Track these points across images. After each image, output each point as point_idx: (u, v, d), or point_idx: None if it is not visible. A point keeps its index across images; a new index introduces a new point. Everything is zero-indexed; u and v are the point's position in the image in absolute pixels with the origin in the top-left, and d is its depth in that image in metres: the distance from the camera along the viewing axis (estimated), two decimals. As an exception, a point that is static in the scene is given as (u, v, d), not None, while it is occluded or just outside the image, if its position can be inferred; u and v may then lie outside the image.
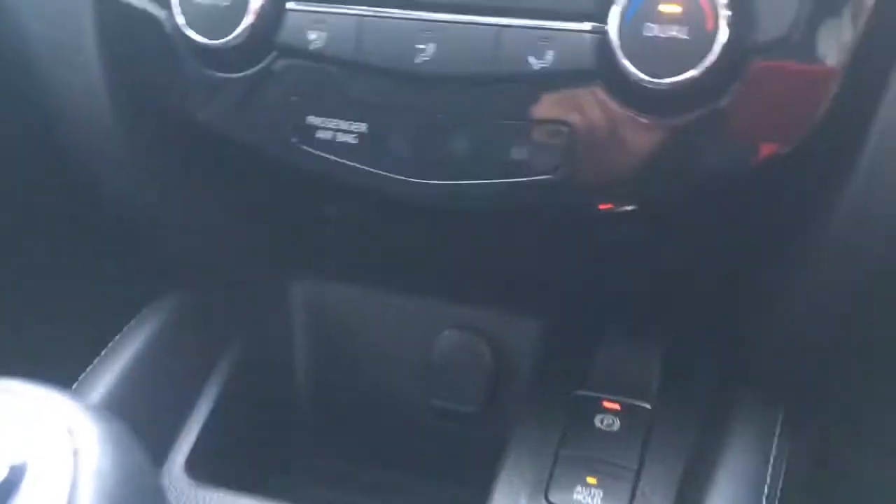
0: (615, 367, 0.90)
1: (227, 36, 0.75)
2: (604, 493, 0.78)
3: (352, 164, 0.76)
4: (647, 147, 0.69)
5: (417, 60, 0.71)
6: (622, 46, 0.65)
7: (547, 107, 0.70)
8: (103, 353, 0.95)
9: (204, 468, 0.89)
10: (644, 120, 0.68)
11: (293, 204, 0.93)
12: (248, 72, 0.77)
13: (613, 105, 0.68)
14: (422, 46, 0.71)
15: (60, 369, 0.85)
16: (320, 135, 0.76)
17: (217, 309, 1.01)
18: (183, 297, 0.99)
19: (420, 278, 0.98)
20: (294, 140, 0.77)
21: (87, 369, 0.94)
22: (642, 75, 0.65)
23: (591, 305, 0.94)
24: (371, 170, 0.75)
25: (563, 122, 0.69)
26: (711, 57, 0.64)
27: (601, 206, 0.75)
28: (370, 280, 1.00)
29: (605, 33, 0.66)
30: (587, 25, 0.68)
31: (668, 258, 0.86)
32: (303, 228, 0.99)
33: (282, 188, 0.88)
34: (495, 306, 0.97)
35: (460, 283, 0.97)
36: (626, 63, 0.65)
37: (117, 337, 0.96)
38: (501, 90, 0.70)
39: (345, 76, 0.74)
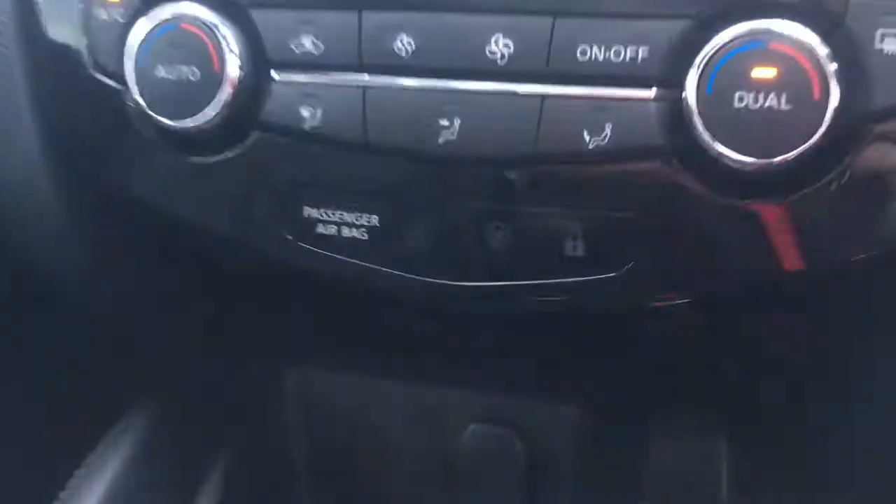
0: (675, 466, 0.77)
1: (198, 114, 0.60)
2: None
3: (362, 264, 0.62)
4: (734, 235, 0.55)
5: (440, 140, 0.57)
6: (704, 120, 0.52)
7: (607, 193, 0.56)
8: (80, 471, 0.81)
9: None
10: (730, 203, 0.55)
11: (285, 299, 0.79)
12: (227, 155, 0.62)
13: (692, 187, 0.55)
14: (445, 123, 0.57)
15: (34, 491, 0.71)
16: (321, 230, 0.62)
17: (201, 412, 0.86)
18: (162, 403, 0.85)
19: (438, 364, 0.84)
20: (288, 236, 0.63)
21: (61, 494, 0.80)
22: (734, 155, 0.52)
23: (640, 392, 0.80)
24: (386, 270, 0.61)
25: (629, 211, 0.56)
26: (820, 129, 0.51)
27: (670, 299, 0.61)
28: (378, 368, 0.86)
29: (679, 103, 0.53)
30: (654, 92, 0.54)
31: (732, 347, 0.73)
32: (297, 316, 0.85)
33: (271, 284, 0.74)
34: (528, 394, 0.83)
35: (486, 370, 0.84)
36: (710, 140, 0.52)
37: (92, 455, 0.82)
38: (548, 174, 0.57)
39: (349, 160, 0.60)
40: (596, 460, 0.81)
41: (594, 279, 0.58)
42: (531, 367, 0.83)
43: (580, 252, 0.57)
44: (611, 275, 0.57)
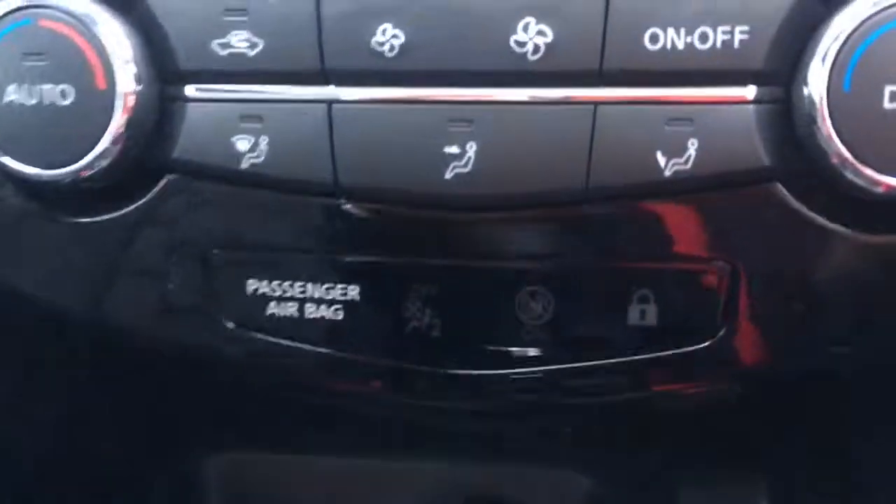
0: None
1: (78, 158, 0.40)
2: None
3: (338, 354, 0.44)
4: (869, 284, 0.40)
5: (448, 175, 0.39)
6: (837, 127, 0.37)
7: (690, 236, 0.40)
8: None
9: None
10: (866, 242, 0.40)
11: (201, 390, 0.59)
12: (125, 212, 0.43)
13: (812, 221, 0.39)
14: (454, 150, 0.39)
15: None
16: (275, 310, 0.43)
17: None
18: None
19: (409, 432, 0.67)
20: (228, 324, 0.44)
21: None
22: (878, 176, 0.37)
23: (664, 454, 0.65)
24: (373, 360, 0.43)
25: (720, 258, 0.40)
26: None
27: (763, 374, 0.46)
28: (326, 443, 0.68)
29: (792, 105, 0.38)
30: (755, 92, 0.38)
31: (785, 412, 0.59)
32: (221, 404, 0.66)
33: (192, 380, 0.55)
34: (527, 462, 0.67)
35: (471, 435, 0.67)
36: (844, 155, 0.37)
37: None
38: (606, 216, 0.40)
39: (310, 211, 0.41)
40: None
41: (672, 355, 0.41)
42: (527, 428, 0.67)
43: (651, 320, 0.41)
44: (695, 347, 0.41)
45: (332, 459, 0.69)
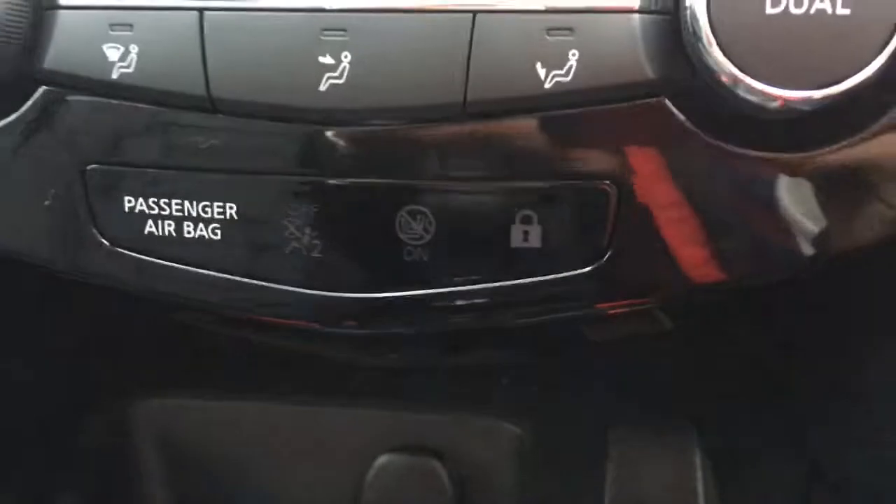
0: (643, 487, 0.61)
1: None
2: None
3: (215, 274, 0.42)
4: (748, 202, 0.39)
5: (322, 87, 0.38)
6: (718, 35, 0.35)
7: (572, 154, 0.38)
8: None
9: None
10: (745, 156, 0.38)
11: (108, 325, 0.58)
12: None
13: (693, 136, 0.38)
14: (328, 59, 0.38)
15: None
16: (151, 229, 0.42)
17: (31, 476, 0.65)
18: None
19: (328, 379, 0.66)
20: (102, 241, 0.42)
21: None
22: (759, 86, 0.35)
23: (591, 399, 0.64)
24: (249, 282, 0.42)
25: (603, 178, 0.39)
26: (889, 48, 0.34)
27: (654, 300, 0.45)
28: (250, 389, 0.67)
29: (677, 14, 0.36)
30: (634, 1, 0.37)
31: (706, 345, 0.58)
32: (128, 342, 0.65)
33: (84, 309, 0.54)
34: (451, 410, 0.66)
35: (392, 382, 0.66)
36: (725, 65, 0.35)
37: None
38: (485, 132, 0.38)
39: (185, 122, 0.40)
40: (540, 489, 0.64)
41: (553, 279, 0.40)
42: (450, 375, 0.66)
43: (534, 242, 0.40)
44: (577, 272, 0.40)
45: (265, 406, 0.68)
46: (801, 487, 0.61)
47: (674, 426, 0.63)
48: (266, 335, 0.56)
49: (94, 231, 0.42)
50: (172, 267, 0.42)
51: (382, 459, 0.66)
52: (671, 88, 0.37)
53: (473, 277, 0.40)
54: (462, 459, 0.65)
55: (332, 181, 0.40)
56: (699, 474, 0.62)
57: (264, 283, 0.41)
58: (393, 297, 0.41)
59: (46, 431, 0.66)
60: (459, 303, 0.41)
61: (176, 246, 0.42)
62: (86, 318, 0.62)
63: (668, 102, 0.37)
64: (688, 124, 0.37)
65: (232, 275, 0.42)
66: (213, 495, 0.69)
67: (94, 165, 0.41)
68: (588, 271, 0.39)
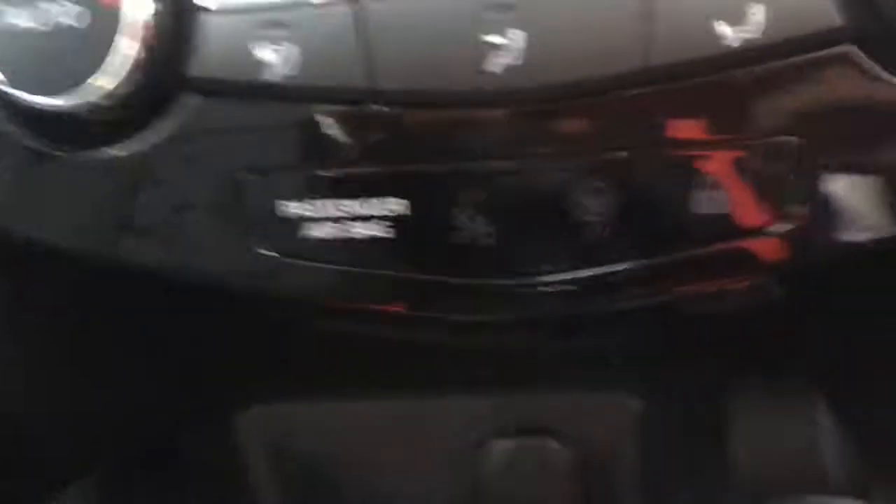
0: (766, 443, 0.60)
1: (82, 84, 0.37)
2: None
3: (385, 273, 0.41)
4: None
5: (490, 66, 0.36)
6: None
7: (760, 111, 0.37)
8: None
9: None
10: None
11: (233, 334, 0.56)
12: (139, 142, 0.39)
13: (887, 84, 0.36)
14: (494, 38, 0.36)
15: None
16: (313, 232, 0.40)
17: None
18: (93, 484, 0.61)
19: (432, 368, 0.64)
20: (262, 251, 0.41)
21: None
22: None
23: (710, 364, 0.63)
24: (425, 278, 0.40)
25: (792, 133, 0.37)
26: None
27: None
28: (352, 387, 0.65)
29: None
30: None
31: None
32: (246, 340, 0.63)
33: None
34: (565, 388, 0.64)
35: (501, 364, 0.64)
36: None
37: None
38: (666, 94, 0.37)
39: (348, 120, 0.38)
40: (662, 465, 0.63)
41: (739, 245, 0.39)
42: (561, 352, 0.64)
43: (721, 206, 0.38)
44: (770, 232, 0.38)
45: (372, 403, 0.66)
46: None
47: (800, 396, 0.62)
48: (387, 328, 0.55)
49: (255, 241, 0.40)
50: (336, 270, 0.40)
51: (499, 445, 0.64)
52: (860, 35, 0.36)
53: (657, 250, 0.39)
54: (581, 439, 0.64)
55: (504, 164, 0.38)
56: (829, 446, 0.61)
57: (436, 278, 0.40)
58: (572, 278, 0.39)
59: (150, 449, 0.64)
60: (642, 278, 0.40)
61: (339, 248, 0.40)
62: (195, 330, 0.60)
63: (857, 50, 0.36)
64: (879, 72, 0.36)
65: (399, 272, 0.40)
66: (328, 500, 0.67)
67: (245, 173, 0.40)
68: (777, 232, 0.38)
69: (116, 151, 0.40)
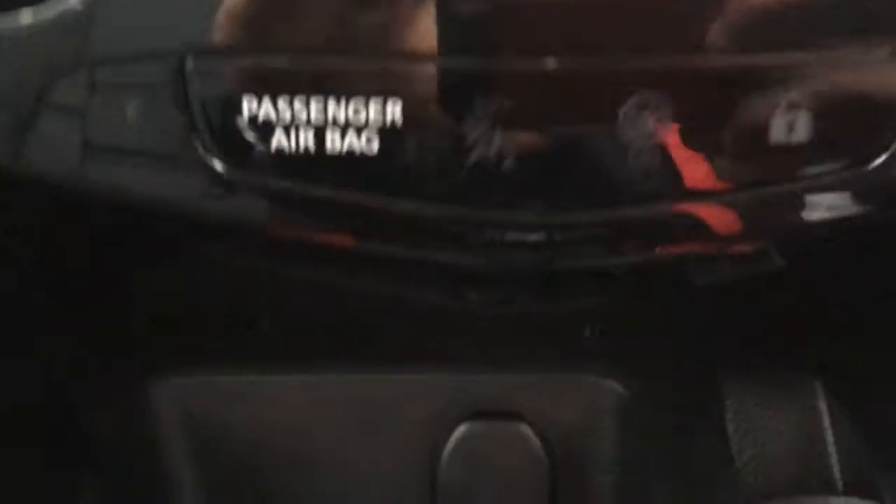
0: (770, 446, 0.54)
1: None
2: None
3: (371, 196, 0.32)
4: None
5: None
6: None
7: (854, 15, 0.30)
8: None
9: None
10: None
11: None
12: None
13: None
14: None
15: None
16: (283, 142, 0.31)
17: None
18: None
19: (397, 338, 0.56)
20: (217, 165, 0.31)
21: None
22: None
23: (698, 350, 0.57)
24: (421, 205, 0.32)
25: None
26: None
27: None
28: (304, 355, 0.57)
29: None
30: None
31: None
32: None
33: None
34: (538, 369, 0.57)
35: (472, 339, 0.56)
36: None
37: None
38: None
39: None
40: (645, 452, 0.56)
41: (831, 177, 0.31)
42: (536, 329, 0.57)
43: (802, 135, 0.31)
44: (860, 168, 0.31)
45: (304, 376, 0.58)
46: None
47: (795, 375, 0.56)
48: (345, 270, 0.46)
49: (203, 151, 0.31)
50: (314, 192, 0.31)
51: (462, 428, 0.57)
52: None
53: (717, 185, 0.31)
54: (554, 422, 0.57)
55: (530, 65, 0.30)
56: (827, 425, 0.55)
57: (445, 209, 0.31)
58: (615, 215, 0.32)
59: (61, 419, 0.54)
60: (688, 219, 0.32)
61: (318, 164, 0.31)
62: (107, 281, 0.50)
63: None
64: None
65: (389, 196, 0.32)
66: (272, 480, 0.58)
67: (195, 55, 0.30)
68: (870, 168, 0.31)
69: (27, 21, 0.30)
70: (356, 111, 0.30)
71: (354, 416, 0.57)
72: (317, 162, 0.31)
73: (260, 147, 0.30)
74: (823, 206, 0.33)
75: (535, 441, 0.57)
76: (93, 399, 0.55)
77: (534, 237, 0.33)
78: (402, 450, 0.57)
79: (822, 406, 0.55)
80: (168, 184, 0.31)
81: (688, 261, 0.50)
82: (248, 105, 0.30)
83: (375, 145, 0.31)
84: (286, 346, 0.56)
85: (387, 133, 0.30)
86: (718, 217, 0.34)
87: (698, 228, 0.33)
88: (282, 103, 0.30)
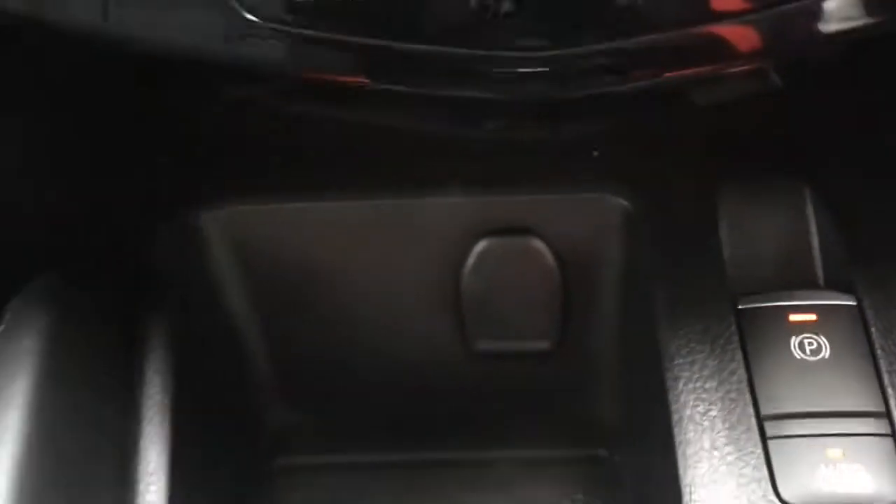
0: (761, 247, 0.60)
1: None
2: (864, 469, 0.50)
3: (385, 44, 0.36)
4: None
5: None
6: None
7: None
8: None
9: None
10: None
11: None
12: None
13: None
14: None
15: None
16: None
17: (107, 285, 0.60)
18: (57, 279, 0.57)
19: (426, 166, 0.61)
20: (248, 16, 0.36)
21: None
22: None
23: (695, 164, 0.61)
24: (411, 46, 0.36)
25: None
26: None
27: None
28: (341, 184, 0.62)
29: None
30: None
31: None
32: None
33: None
34: (551, 190, 0.62)
35: (490, 166, 0.61)
36: None
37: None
38: None
39: None
40: (648, 261, 0.61)
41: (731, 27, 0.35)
42: (543, 155, 0.62)
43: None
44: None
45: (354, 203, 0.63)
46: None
47: (785, 183, 0.61)
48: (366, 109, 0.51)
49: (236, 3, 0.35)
50: (329, 38, 0.36)
51: (482, 244, 0.63)
52: None
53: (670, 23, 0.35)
54: (565, 237, 0.63)
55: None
56: (813, 228, 0.60)
57: (447, 49, 0.36)
58: (596, 49, 0.36)
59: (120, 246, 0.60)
60: (649, 52, 0.36)
61: (332, 15, 0.35)
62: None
63: None
64: None
65: (403, 42, 0.36)
66: (310, 293, 0.65)
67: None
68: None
69: None
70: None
71: (387, 236, 0.63)
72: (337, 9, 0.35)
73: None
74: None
75: (547, 253, 0.63)
76: (155, 232, 0.61)
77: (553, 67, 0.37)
78: (429, 263, 0.63)
79: (810, 210, 0.60)
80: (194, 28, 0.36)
81: (692, 83, 0.53)
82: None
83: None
84: (326, 178, 0.62)
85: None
86: (742, 36, 0.38)
87: (722, 48, 0.37)
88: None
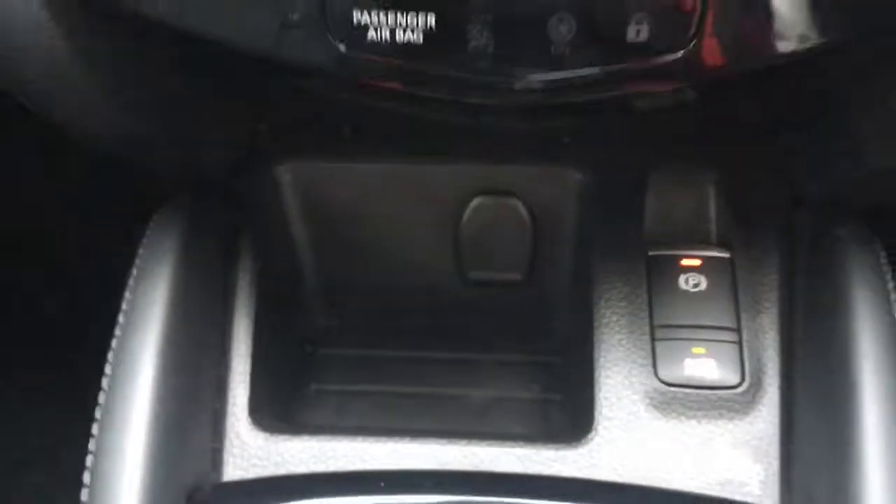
0: (675, 216, 0.84)
1: None
2: (716, 362, 0.75)
3: (418, 67, 0.61)
4: None
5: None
6: None
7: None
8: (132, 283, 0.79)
9: (264, 411, 0.80)
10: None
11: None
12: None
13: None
14: None
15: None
16: (373, 36, 0.60)
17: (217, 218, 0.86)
18: (182, 208, 0.83)
19: (438, 142, 0.85)
20: (340, 46, 0.60)
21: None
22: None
23: (634, 153, 0.85)
24: (444, 73, 0.61)
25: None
26: None
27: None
28: (376, 152, 0.87)
29: None
30: None
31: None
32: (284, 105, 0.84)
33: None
34: (528, 164, 0.86)
35: (485, 144, 0.86)
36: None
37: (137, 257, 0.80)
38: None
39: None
40: (594, 221, 0.86)
41: (656, 62, 0.60)
42: (530, 138, 0.86)
43: (644, 37, 0.59)
44: (671, 56, 0.59)
45: (385, 166, 0.87)
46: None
47: (696, 168, 0.85)
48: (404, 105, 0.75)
49: (338, 40, 0.60)
50: (390, 63, 0.61)
51: (476, 201, 0.87)
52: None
53: (601, 62, 0.60)
54: (537, 199, 0.87)
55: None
56: (712, 204, 0.84)
57: (460, 75, 0.60)
58: (549, 76, 0.60)
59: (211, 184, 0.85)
60: (587, 81, 0.61)
61: (390, 47, 0.60)
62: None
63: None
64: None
65: (433, 67, 0.61)
66: (348, 243, 0.90)
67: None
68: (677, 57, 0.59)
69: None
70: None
71: (406, 192, 0.88)
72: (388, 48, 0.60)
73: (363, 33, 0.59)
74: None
75: (523, 210, 0.87)
76: (241, 177, 0.86)
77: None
78: (436, 214, 0.88)
79: (711, 192, 0.85)
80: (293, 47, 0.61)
81: (633, 97, 0.77)
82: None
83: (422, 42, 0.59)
84: (363, 147, 0.86)
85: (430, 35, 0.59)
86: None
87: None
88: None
